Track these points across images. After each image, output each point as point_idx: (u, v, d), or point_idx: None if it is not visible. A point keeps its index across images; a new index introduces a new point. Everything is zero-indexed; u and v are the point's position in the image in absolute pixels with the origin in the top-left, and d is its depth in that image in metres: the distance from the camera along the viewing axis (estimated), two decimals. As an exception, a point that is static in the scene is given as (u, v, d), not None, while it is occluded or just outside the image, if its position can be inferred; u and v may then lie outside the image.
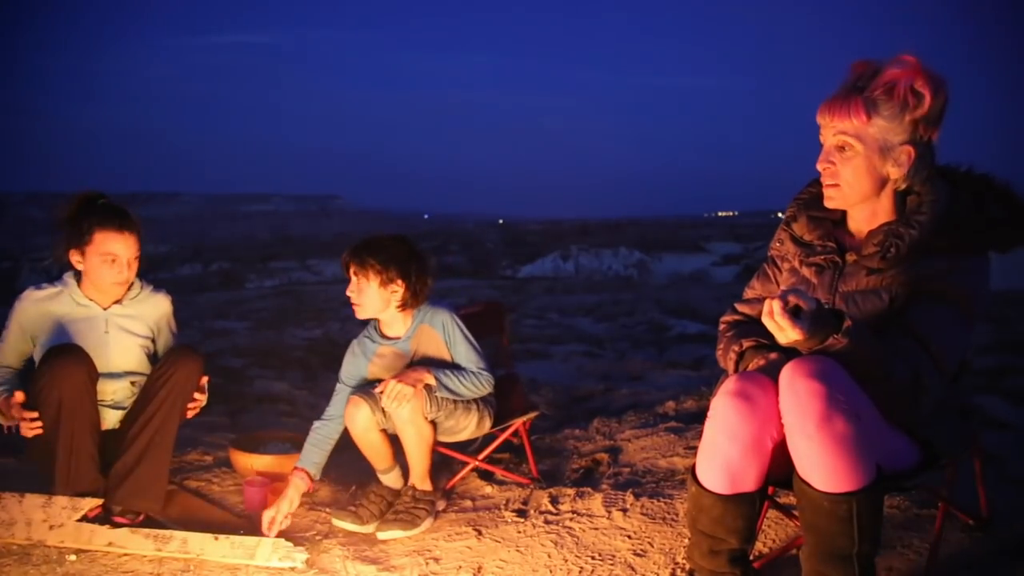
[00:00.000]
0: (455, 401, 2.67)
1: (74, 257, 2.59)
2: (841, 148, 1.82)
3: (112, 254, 2.56)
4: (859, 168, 1.82)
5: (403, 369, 2.66)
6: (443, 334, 2.73)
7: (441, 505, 2.77)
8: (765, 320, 1.62)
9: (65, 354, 2.44)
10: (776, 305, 1.59)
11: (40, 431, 2.42)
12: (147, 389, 2.59)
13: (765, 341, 1.93)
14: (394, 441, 2.71)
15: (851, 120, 1.79)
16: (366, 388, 2.66)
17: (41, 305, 2.60)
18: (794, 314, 1.60)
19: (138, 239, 2.61)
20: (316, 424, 2.74)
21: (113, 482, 2.46)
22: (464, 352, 2.73)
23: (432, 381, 2.59)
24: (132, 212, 2.64)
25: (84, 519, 2.39)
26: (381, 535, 2.56)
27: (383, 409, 2.59)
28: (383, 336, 2.79)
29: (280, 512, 2.54)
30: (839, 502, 1.63)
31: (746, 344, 1.96)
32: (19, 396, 2.43)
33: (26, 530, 2.34)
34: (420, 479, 2.69)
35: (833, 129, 1.83)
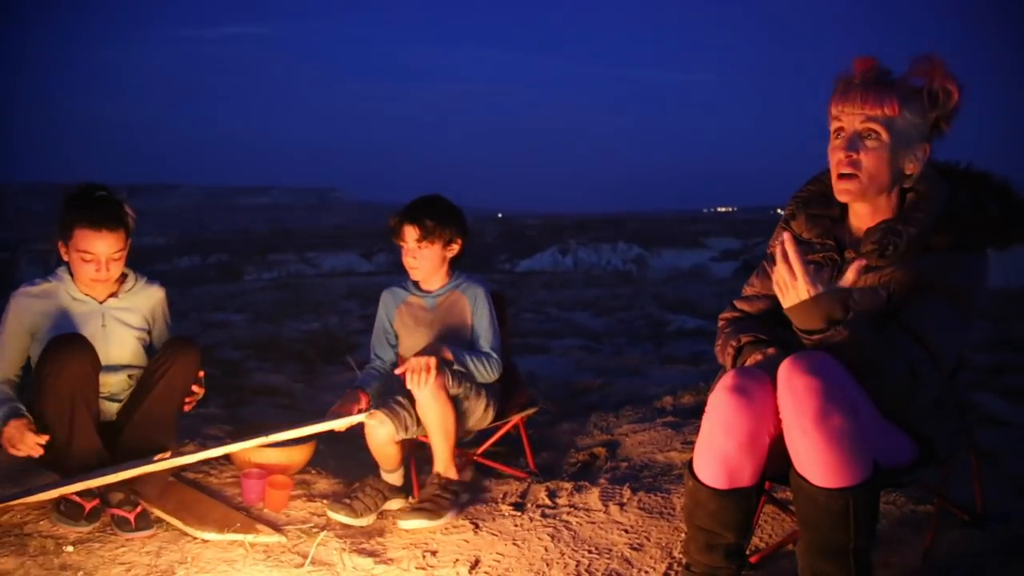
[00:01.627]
0: (470, 384, 2.69)
1: (61, 249, 2.57)
2: (866, 135, 1.79)
3: (88, 252, 2.49)
4: (882, 159, 1.79)
5: (419, 351, 2.68)
6: (472, 304, 2.81)
7: (465, 498, 2.75)
8: (778, 267, 1.67)
9: (69, 343, 2.42)
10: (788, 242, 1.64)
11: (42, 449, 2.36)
12: (144, 381, 2.58)
13: (763, 337, 1.94)
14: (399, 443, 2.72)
15: (883, 108, 1.77)
16: (389, 402, 2.65)
17: (37, 301, 2.56)
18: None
19: (121, 237, 2.53)
20: (368, 366, 2.91)
21: (111, 473, 2.46)
22: (484, 328, 2.80)
23: (449, 355, 2.65)
24: (126, 207, 2.58)
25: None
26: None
27: (404, 424, 2.61)
28: (416, 287, 2.88)
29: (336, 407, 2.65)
30: (835, 497, 1.64)
31: (744, 339, 1.96)
32: (24, 423, 2.36)
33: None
34: (445, 466, 2.66)
35: (861, 116, 1.78)
